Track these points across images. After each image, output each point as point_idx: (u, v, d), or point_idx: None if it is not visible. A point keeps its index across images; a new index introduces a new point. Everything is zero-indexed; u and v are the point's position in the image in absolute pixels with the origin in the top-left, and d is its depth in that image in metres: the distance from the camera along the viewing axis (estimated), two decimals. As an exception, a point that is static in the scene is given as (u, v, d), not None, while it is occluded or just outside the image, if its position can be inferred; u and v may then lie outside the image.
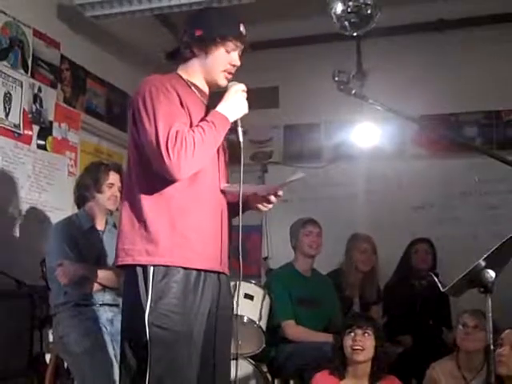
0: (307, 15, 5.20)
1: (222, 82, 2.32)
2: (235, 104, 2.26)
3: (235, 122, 2.28)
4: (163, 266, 2.12)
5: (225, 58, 2.29)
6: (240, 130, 2.30)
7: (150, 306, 2.09)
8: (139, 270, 2.13)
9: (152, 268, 2.12)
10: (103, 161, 3.96)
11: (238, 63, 2.32)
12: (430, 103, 5.20)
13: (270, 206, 2.41)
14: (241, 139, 2.30)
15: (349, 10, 4.09)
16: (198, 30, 2.27)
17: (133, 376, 2.12)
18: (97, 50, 5.05)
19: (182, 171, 2.09)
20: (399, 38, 5.35)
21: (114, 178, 3.45)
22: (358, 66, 5.21)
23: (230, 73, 2.31)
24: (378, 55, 5.22)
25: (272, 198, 2.37)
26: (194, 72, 2.32)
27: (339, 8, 4.08)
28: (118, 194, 3.41)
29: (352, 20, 4.11)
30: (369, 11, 4.10)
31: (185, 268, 2.15)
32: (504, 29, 5.14)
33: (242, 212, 2.28)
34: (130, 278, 2.17)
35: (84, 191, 3.47)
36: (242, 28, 2.31)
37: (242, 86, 2.31)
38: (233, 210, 2.34)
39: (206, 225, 2.23)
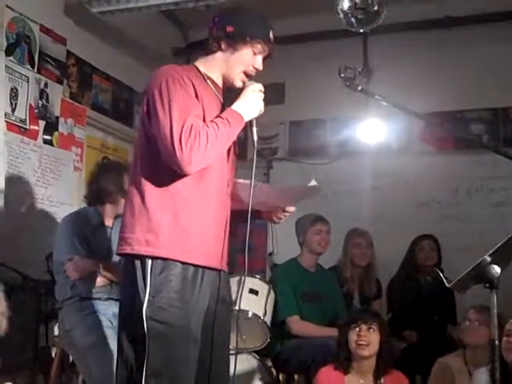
0: (314, 12, 5.21)
1: (238, 83, 2.32)
2: (251, 103, 2.26)
3: (250, 122, 2.27)
4: (161, 258, 2.11)
5: (250, 58, 2.29)
6: (255, 129, 2.29)
7: (148, 300, 2.08)
8: (137, 263, 2.13)
9: (150, 261, 2.11)
10: (120, 160, 3.92)
11: (261, 68, 2.33)
12: (436, 100, 5.19)
13: (283, 219, 2.46)
14: (255, 138, 2.30)
15: (356, 6, 4.08)
16: (229, 26, 2.28)
17: (130, 369, 2.11)
18: (103, 45, 5.06)
19: (192, 165, 2.08)
20: (406, 34, 5.34)
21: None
22: (364, 63, 5.21)
23: (248, 75, 2.32)
24: (385, 52, 5.21)
25: (288, 208, 2.46)
26: (214, 66, 2.33)
27: (346, 4, 4.08)
28: None
29: (359, 16, 4.10)
30: (375, 8, 4.09)
31: (183, 263, 2.14)
32: (512, 26, 5.13)
33: (253, 219, 2.32)
34: (128, 271, 2.16)
35: (107, 195, 3.40)
36: (271, 34, 2.33)
37: (260, 86, 2.30)
38: (240, 215, 2.34)
39: (210, 222, 2.22)
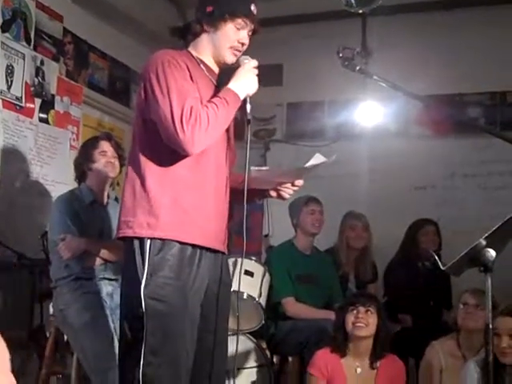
0: (313, -8, 5.17)
1: (230, 59, 2.33)
2: (247, 82, 2.27)
3: (244, 100, 2.28)
4: (160, 239, 2.14)
5: (234, 34, 2.29)
6: (248, 106, 2.29)
7: (146, 279, 2.12)
8: (136, 243, 2.16)
9: (149, 241, 2.14)
10: (95, 135, 3.96)
11: (247, 42, 2.33)
12: (434, 83, 5.15)
13: (291, 192, 2.44)
14: (249, 117, 2.29)
15: (355, -13, 4.04)
16: (209, 6, 2.29)
17: (129, 347, 2.15)
18: (100, 23, 5.01)
19: (195, 146, 2.11)
20: (405, 16, 5.30)
21: (105, 145, 3.46)
22: (362, 45, 5.17)
23: (237, 50, 2.32)
24: (384, 34, 5.18)
25: (297, 182, 2.41)
26: (203, 48, 2.34)
27: (345, -15, 4.04)
28: (114, 161, 3.43)
29: (358, -3, 4.07)
30: (375, -12, 4.05)
31: (181, 243, 2.17)
32: (512, 9, 5.10)
33: (260, 199, 2.42)
34: (127, 252, 2.20)
35: (81, 167, 3.48)
36: (252, 7, 2.32)
37: (254, 63, 2.31)
38: (252, 195, 2.35)
39: (210, 203, 2.25)
